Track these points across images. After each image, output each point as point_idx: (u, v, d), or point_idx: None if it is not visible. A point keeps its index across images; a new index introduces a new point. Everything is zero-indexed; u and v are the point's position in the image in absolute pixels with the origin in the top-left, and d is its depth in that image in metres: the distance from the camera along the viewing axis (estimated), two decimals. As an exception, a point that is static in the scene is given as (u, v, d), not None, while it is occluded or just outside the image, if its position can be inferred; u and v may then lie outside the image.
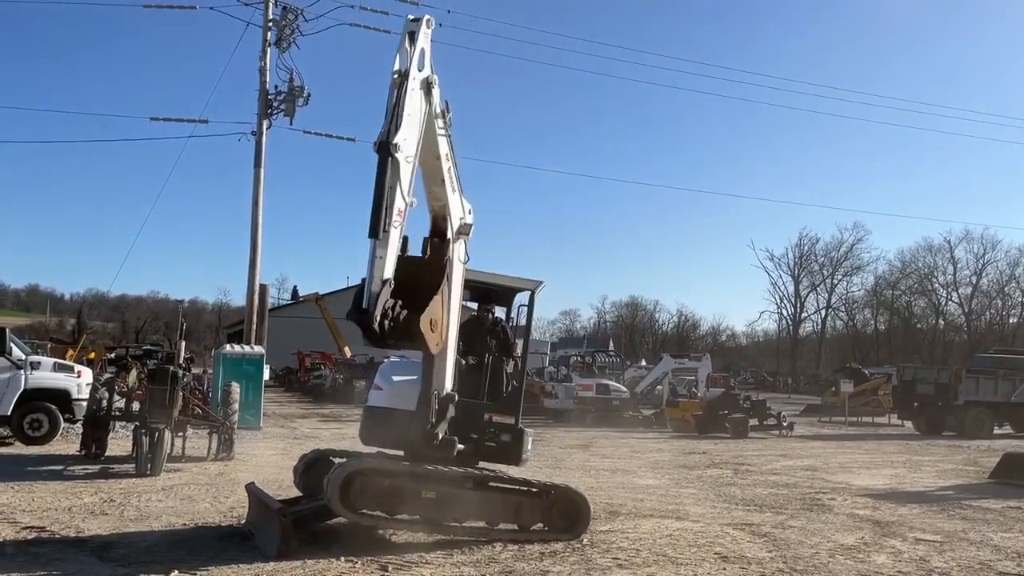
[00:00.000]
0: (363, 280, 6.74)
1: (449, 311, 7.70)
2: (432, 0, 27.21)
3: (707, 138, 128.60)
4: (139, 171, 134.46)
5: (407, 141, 6.93)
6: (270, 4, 23.83)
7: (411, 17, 7.51)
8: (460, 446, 7.86)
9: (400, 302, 6.81)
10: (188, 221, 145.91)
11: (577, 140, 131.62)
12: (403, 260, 7.32)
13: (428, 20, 7.44)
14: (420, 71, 7.25)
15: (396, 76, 7.14)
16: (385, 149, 6.76)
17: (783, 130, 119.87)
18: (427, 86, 7.34)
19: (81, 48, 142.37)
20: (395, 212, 6.80)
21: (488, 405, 8.45)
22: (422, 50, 7.28)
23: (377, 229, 6.66)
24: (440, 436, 7.70)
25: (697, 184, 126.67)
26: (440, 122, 7.66)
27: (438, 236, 7.97)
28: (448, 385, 7.93)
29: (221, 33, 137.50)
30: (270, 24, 23.70)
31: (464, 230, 8.12)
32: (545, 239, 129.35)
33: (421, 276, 7.34)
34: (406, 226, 7.16)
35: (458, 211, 8.08)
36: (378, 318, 6.59)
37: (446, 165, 7.87)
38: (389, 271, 6.73)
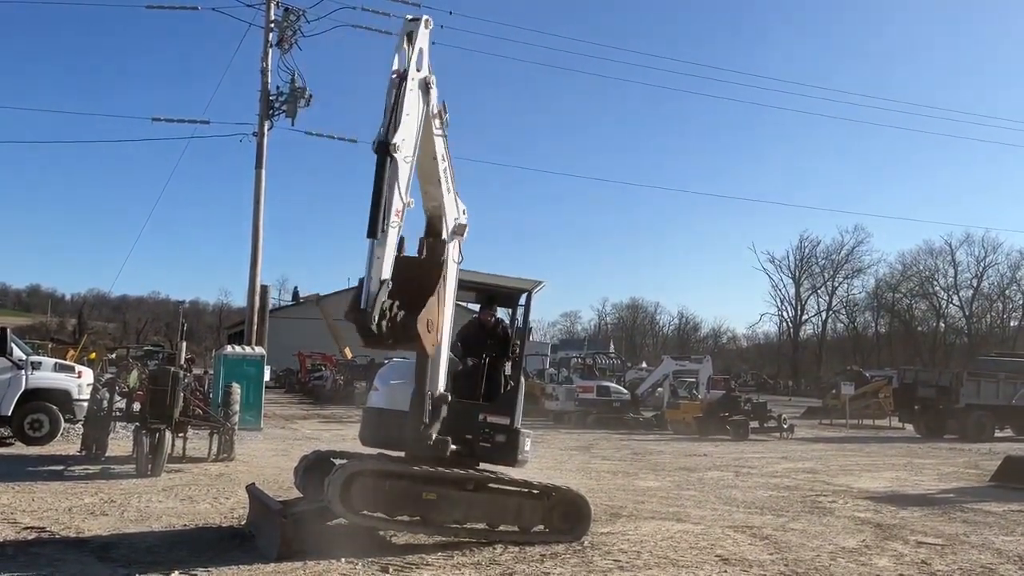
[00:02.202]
0: (361, 280, 6.71)
1: (443, 312, 7.69)
2: (433, 1, 27.27)
3: (708, 140, 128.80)
4: (140, 171, 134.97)
5: (405, 141, 6.91)
6: (272, 5, 23.85)
7: (409, 17, 7.51)
8: (453, 446, 7.84)
9: (398, 303, 6.76)
10: (189, 222, 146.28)
11: (578, 142, 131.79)
12: (401, 260, 7.24)
13: (427, 20, 7.40)
14: (419, 71, 7.22)
15: (395, 76, 7.12)
16: (384, 149, 6.74)
17: (784, 133, 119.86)
18: (425, 86, 7.32)
19: (83, 48, 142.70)
20: (393, 212, 6.77)
21: (483, 406, 8.42)
22: (420, 50, 7.24)
23: (376, 229, 6.64)
24: (433, 436, 7.68)
25: (698, 186, 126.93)
26: (437, 122, 7.65)
27: (433, 236, 7.97)
28: (441, 385, 7.91)
29: (223, 34, 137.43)
30: (272, 25, 23.72)
31: (459, 230, 8.07)
32: (545, 240, 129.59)
33: (419, 276, 7.29)
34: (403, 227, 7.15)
35: (453, 211, 8.04)
36: (376, 318, 6.55)
37: (442, 165, 7.84)
38: (387, 271, 6.70)
